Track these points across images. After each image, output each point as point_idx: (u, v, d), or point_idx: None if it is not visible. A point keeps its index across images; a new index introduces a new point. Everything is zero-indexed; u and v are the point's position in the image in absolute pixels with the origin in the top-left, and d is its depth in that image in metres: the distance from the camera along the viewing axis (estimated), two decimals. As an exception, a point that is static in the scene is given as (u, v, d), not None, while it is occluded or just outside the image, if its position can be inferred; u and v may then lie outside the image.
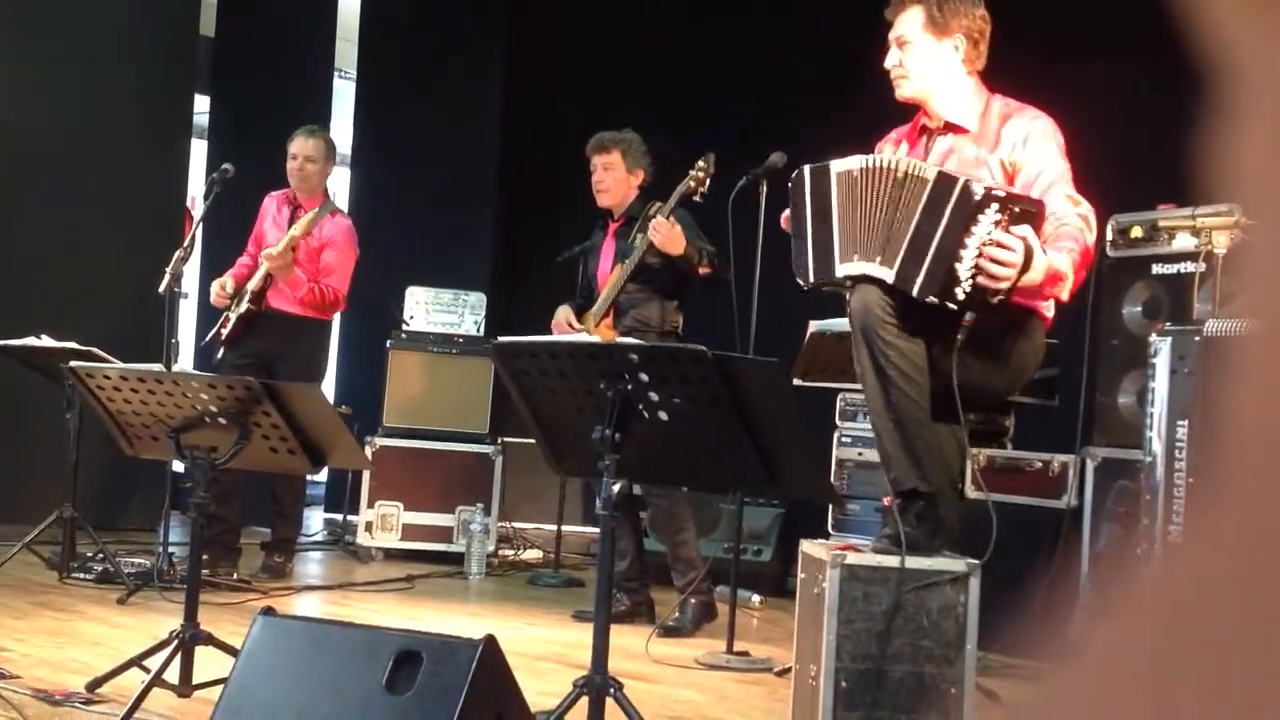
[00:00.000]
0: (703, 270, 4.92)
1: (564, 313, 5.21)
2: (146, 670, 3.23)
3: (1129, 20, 5.63)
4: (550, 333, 5.10)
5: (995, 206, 3.00)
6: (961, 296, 3.01)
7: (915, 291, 3.05)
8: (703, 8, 7.92)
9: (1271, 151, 0.34)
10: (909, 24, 3.39)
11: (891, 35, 3.43)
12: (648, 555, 5.18)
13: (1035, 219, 3.07)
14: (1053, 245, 3.12)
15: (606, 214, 5.31)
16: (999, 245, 2.99)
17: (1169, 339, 3.06)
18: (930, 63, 3.37)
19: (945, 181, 3.06)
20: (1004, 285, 3.00)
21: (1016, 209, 3.03)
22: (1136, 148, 5.36)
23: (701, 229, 5.03)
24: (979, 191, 3.01)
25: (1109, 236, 4.33)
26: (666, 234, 4.85)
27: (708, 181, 4.87)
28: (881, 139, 3.55)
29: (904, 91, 3.41)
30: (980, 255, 2.99)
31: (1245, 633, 0.31)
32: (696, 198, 4.89)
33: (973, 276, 3.00)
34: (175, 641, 3.24)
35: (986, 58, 3.44)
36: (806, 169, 3.33)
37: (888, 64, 3.42)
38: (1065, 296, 3.20)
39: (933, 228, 3.03)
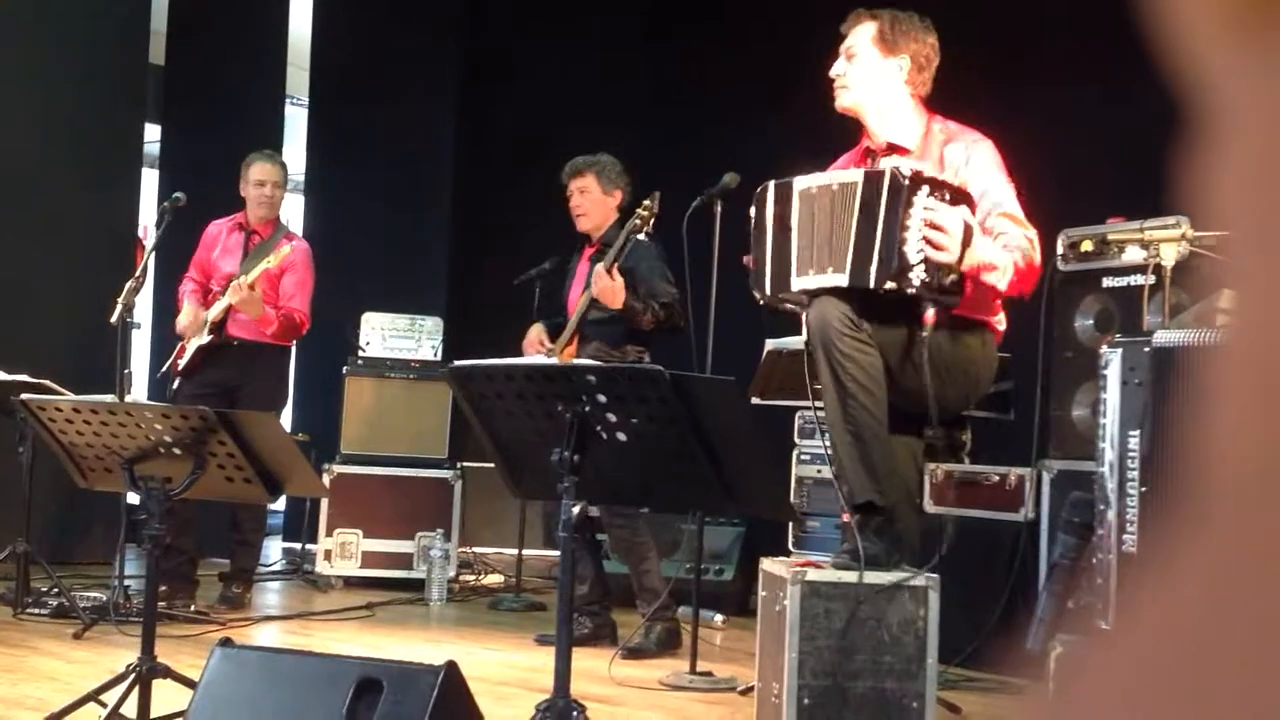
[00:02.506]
0: (646, 322, 4.88)
1: (537, 331, 5.15)
2: (104, 705, 3.19)
3: (1081, 41, 5.71)
4: (521, 352, 5.08)
5: (926, 189, 3.09)
6: (918, 282, 3.07)
7: (872, 283, 3.10)
8: (664, 22, 7.95)
9: (1254, 181, 0.33)
10: (859, 37, 3.47)
11: (842, 46, 3.51)
12: (609, 577, 5.16)
13: (967, 202, 3.16)
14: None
15: (584, 238, 5.26)
16: (938, 222, 3.06)
17: (1119, 350, 3.10)
18: (872, 77, 3.44)
19: (874, 176, 3.15)
20: (951, 257, 3.07)
21: (947, 193, 3.12)
22: (1088, 162, 5.43)
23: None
24: (907, 173, 3.09)
25: (1059, 250, 4.38)
26: (604, 287, 4.81)
27: (653, 221, 4.87)
28: (831, 163, 3.60)
29: (843, 101, 3.49)
30: (923, 236, 3.06)
31: (1234, 660, 0.31)
32: (641, 236, 4.87)
33: (922, 258, 3.06)
34: (132, 675, 3.20)
35: (934, 82, 3.50)
36: (771, 184, 3.37)
37: (832, 73, 3.50)
38: (1003, 287, 3.24)
39: (873, 221, 3.10)
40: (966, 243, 3.09)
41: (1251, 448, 0.32)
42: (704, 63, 7.54)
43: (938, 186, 3.12)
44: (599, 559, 5.15)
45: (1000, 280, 3.20)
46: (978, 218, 3.20)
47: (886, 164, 3.27)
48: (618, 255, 4.85)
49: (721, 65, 7.34)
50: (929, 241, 3.06)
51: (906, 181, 3.08)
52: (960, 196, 3.16)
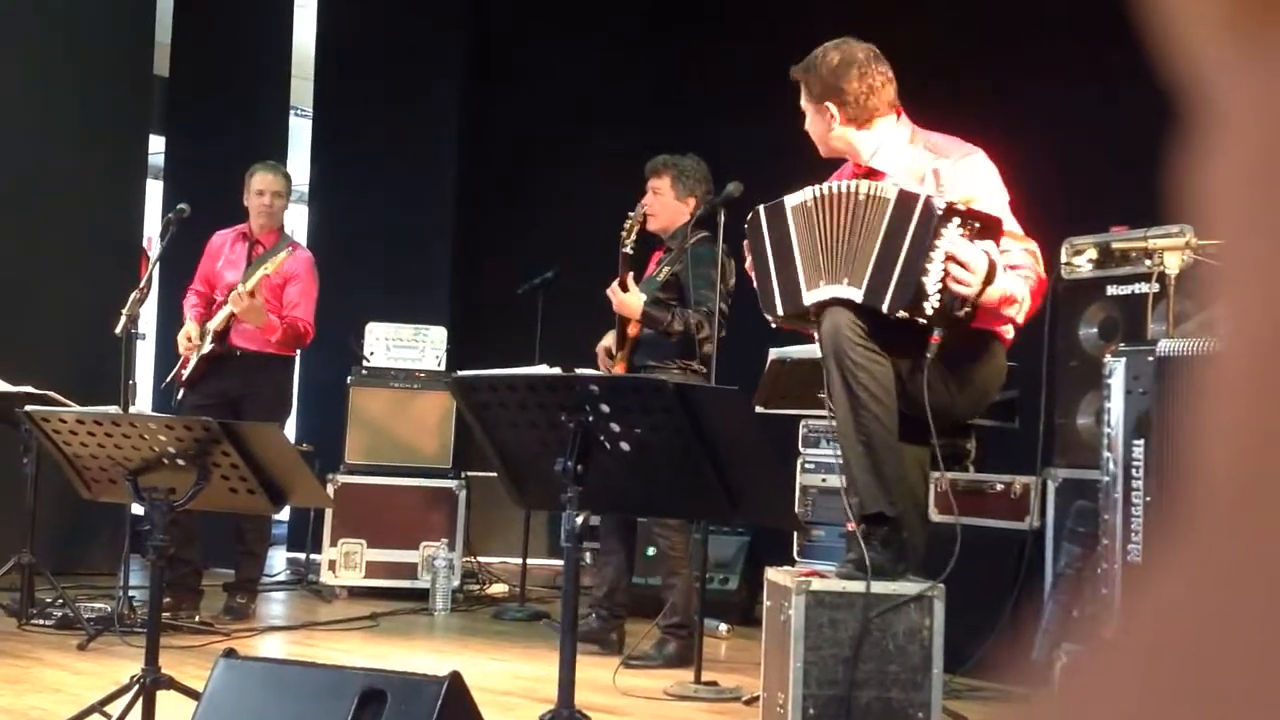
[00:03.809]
0: (673, 332, 4.82)
1: (610, 338, 5.06)
2: (108, 716, 3.19)
3: (1081, 41, 5.71)
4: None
5: (957, 221, 3.06)
6: (930, 311, 3.06)
7: (885, 307, 3.08)
8: (664, 21, 7.96)
9: (1252, 180, 0.33)
10: (802, 98, 3.53)
11: None
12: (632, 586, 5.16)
13: (995, 233, 3.13)
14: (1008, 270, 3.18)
15: (655, 239, 5.18)
16: (962, 258, 3.04)
17: (1123, 359, 3.09)
18: (821, 129, 3.48)
19: (907, 199, 3.12)
20: (971, 292, 3.05)
21: (977, 224, 3.09)
22: (1089, 167, 5.43)
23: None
24: (941, 206, 3.06)
25: (1063, 259, 4.38)
26: (618, 301, 4.81)
27: (635, 232, 4.88)
28: (829, 174, 3.60)
29: (824, 153, 3.55)
30: (946, 269, 3.04)
31: (1233, 663, 0.30)
32: (626, 249, 4.87)
33: (940, 290, 3.04)
34: (136, 686, 3.19)
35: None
36: (761, 209, 3.37)
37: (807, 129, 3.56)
38: (1021, 319, 3.25)
39: (898, 244, 3.08)
40: (989, 280, 3.08)
41: (1246, 449, 0.32)
42: (704, 63, 7.55)
43: (969, 218, 3.09)
44: (630, 564, 5.12)
45: (1019, 313, 3.21)
46: None
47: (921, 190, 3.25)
48: (624, 270, 4.86)
49: (721, 65, 7.34)
50: (951, 279, 3.04)
51: (939, 213, 3.06)
52: (989, 229, 3.12)
